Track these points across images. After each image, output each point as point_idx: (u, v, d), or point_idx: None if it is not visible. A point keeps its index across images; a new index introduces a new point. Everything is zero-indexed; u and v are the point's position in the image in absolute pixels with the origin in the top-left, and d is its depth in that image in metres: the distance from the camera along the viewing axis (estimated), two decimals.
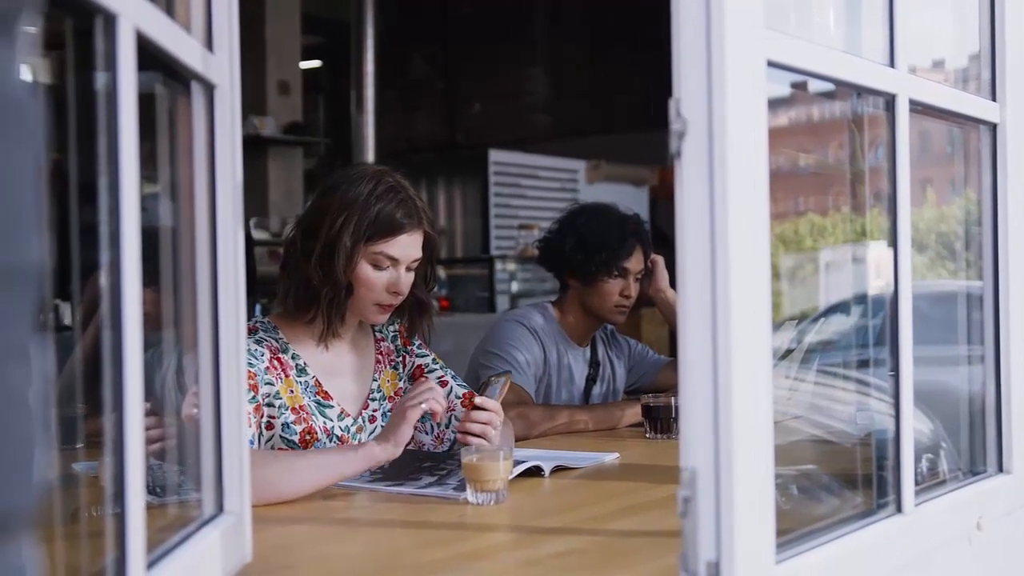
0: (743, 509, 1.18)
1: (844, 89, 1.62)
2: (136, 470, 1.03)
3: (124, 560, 1.01)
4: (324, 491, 1.96)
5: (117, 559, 1.02)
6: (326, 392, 2.25)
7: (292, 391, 2.19)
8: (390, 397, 2.37)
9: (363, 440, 2.25)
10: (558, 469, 2.19)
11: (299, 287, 2.21)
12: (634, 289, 3.04)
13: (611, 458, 2.37)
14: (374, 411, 2.33)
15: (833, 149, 2.07)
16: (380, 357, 2.39)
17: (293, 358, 2.23)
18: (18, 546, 0.59)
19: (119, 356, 1.01)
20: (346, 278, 2.18)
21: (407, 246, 2.22)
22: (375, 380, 2.36)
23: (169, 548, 1.20)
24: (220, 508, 1.39)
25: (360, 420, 2.29)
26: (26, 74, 0.61)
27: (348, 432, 2.26)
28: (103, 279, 1.02)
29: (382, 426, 2.29)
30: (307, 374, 2.23)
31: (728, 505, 1.17)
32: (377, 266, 2.20)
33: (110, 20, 1.00)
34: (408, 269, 2.24)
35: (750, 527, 1.19)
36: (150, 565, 1.09)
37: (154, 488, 1.34)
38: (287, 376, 2.20)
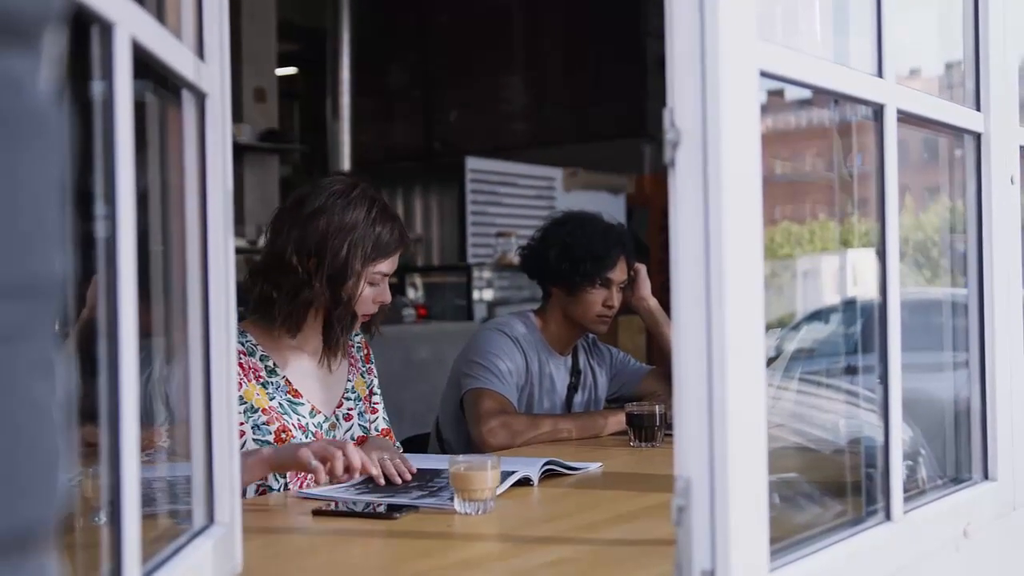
0: (738, 517, 1.18)
1: (822, 97, 1.63)
2: (132, 482, 1.02)
3: (120, 572, 1.00)
4: (313, 503, 1.96)
5: (112, 571, 1.01)
6: (296, 391, 2.31)
7: (259, 394, 2.25)
8: (364, 398, 2.46)
9: (338, 437, 2.36)
10: (548, 474, 2.20)
11: (302, 308, 2.27)
12: (617, 299, 3.04)
13: (595, 467, 2.37)
14: (349, 409, 2.42)
15: (809, 157, 2.08)
16: (352, 361, 2.48)
17: (262, 360, 2.29)
18: (43, 557, 0.59)
19: (115, 366, 1.01)
20: (356, 300, 2.28)
21: (396, 261, 2.36)
22: (349, 381, 2.44)
23: (162, 560, 1.19)
24: (211, 519, 1.38)
25: (334, 418, 2.37)
26: (50, 86, 0.60)
27: (321, 429, 2.33)
28: (100, 288, 1.01)
29: (359, 424, 2.42)
30: (277, 375, 2.30)
31: (723, 514, 1.17)
32: (372, 283, 2.31)
33: (107, 29, 1.00)
34: (390, 279, 2.38)
35: (745, 535, 1.19)
36: None
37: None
38: (251, 381, 2.25)
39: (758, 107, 1.24)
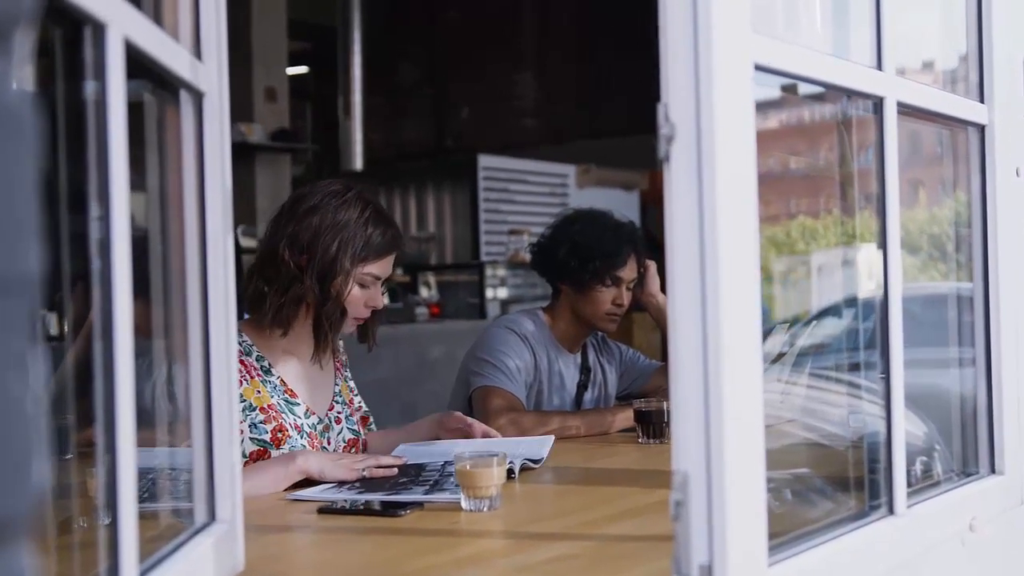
0: (735, 512, 1.18)
1: (833, 92, 1.63)
2: (128, 480, 1.03)
3: (117, 569, 1.01)
4: (316, 502, 1.96)
5: (110, 568, 1.01)
6: (292, 391, 2.35)
7: (259, 392, 2.29)
8: (348, 402, 2.50)
9: (331, 439, 2.40)
10: (524, 468, 2.23)
11: (292, 303, 2.30)
12: (626, 297, 3.04)
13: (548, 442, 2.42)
14: (338, 413, 2.46)
15: (823, 151, 2.07)
16: (338, 366, 2.53)
17: (258, 360, 2.33)
18: (17, 552, 0.60)
19: (111, 366, 1.01)
20: (344, 298, 2.30)
21: (389, 265, 2.38)
22: (336, 385, 2.49)
23: (162, 557, 1.19)
24: (212, 516, 1.38)
25: (327, 420, 2.41)
26: (22, 84, 0.61)
27: (315, 430, 2.37)
28: (94, 289, 1.01)
29: (347, 428, 2.46)
30: (273, 375, 2.33)
31: (720, 508, 1.17)
32: (363, 285, 2.34)
33: (99, 29, 1.00)
34: (383, 284, 2.40)
35: (742, 530, 1.19)
36: (143, 574, 1.09)
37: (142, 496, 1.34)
38: (252, 378, 2.29)
39: (752, 101, 1.23)
